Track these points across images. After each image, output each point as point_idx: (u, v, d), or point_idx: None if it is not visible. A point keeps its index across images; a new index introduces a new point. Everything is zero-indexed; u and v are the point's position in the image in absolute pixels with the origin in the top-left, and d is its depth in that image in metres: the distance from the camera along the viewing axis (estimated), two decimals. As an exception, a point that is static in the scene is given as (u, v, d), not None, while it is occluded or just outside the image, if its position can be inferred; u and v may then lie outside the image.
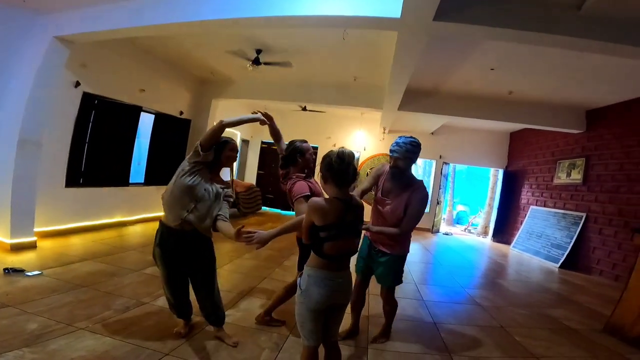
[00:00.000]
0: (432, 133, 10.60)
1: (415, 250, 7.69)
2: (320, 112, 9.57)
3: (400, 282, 2.70)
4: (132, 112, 6.29)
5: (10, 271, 3.35)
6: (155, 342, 2.37)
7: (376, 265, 2.67)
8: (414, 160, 2.53)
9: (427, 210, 11.36)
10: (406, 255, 2.69)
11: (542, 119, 7.26)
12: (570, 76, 5.25)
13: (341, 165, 1.67)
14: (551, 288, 5.24)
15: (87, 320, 2.55)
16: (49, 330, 2.34)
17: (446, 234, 10.71)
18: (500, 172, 10.62)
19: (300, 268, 2.24)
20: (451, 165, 16.08)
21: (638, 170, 5.84)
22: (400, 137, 2.57)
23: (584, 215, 6.84)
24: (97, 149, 5.74)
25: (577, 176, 7.28)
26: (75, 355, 2.07)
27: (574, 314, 3.98)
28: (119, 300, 2.99)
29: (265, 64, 5.70)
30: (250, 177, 11.49)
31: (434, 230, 10.33)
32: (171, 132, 7.41)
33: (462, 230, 12.32)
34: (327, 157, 1.72)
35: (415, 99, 7.00)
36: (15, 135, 4.21)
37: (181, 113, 7.54)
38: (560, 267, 6.74)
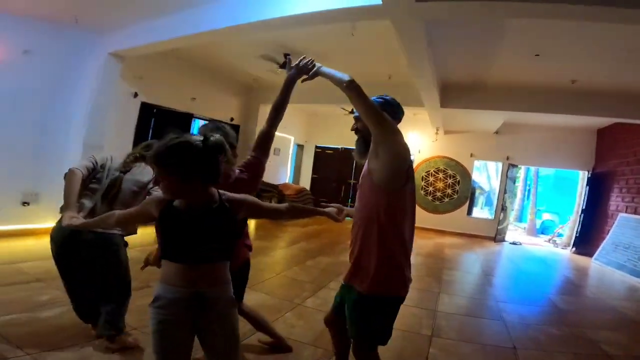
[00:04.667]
0: (496, 132, 9.64)
1: (464, 258, 7.07)
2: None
3: (380, 340, 1.63)
4: (185, 119, 7.05)
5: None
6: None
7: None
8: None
9: (491, 216, 10.36)
10: (389, 299, 1.61)
11: (631, 112, 6.05)
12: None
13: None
14: (618, 306, 4.36)
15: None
16: None
17: (514, 243, 9.58)
18: (586, 175, 9.15)
19: None
20: (532, 168, 14.42)
21: None
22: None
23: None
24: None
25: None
26: None
27: (623, 337, 3.26)
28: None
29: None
30: (305, 181, 11.81)
31: (497, 238, 9.32)
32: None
33: (545, 241, 10.91)
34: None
35: (459, 94, 6.50)
36: (81, 140, 5.08)
37: (232, 119, 8.18)
38: (647, 284, 5.55)
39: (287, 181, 10.66)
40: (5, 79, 4.52)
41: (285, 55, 5.80)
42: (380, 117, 1.52)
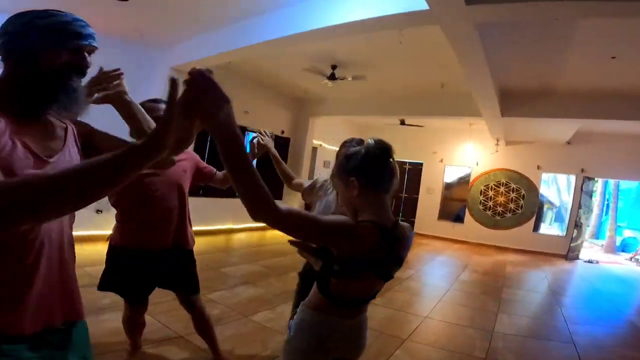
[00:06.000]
0: (568, 142, 8.71)
1: (529, 276, 6.42)
2: (419, 126, 9.11)
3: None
4: (239, 133, 7.35)
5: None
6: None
7: None
8: None
9: (562, 232, 9.29)
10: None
11: None
12: None
13: (381, 163, 1.10)
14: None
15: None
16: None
17: (589, 261, 8.49)
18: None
19: (297, 306, 1.45)
20: (611, 181, 12.81)
21: None
22: None
23: None
24: (213, 165, 6.90)
25: None
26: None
27: None
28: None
29: (340, 79, 5.90)
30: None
31: (570, 256, 8.32)
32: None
33: (626, 259, 9.61)
34: (355, 149, 1.13)
35: (523, 102, 5.98)
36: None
37: (282, 132, 8.37)
38: None
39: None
40: (82, 93, 5.09)
41: (332, 67, 5.81)
42: None
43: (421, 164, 10.59)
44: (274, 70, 6.73)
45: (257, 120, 7.70)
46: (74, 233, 1.07)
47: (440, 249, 8.34)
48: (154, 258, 1.86)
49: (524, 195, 9.24)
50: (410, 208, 10.57)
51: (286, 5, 3.90)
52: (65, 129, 1.01)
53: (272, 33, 4.10)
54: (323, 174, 8.48)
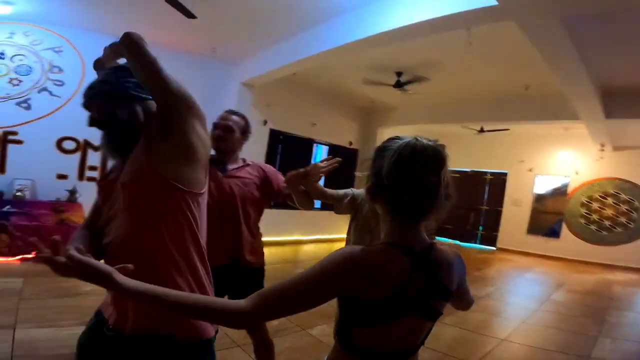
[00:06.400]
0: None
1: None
2: (504, 130, 8.20)
3: None
4: (307, 144, 7.47)
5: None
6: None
7: None
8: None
9: None
10: None
11: None
12: None
13: (413, 172, 0.76)
14: None
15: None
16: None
17: None
18: None
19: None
20: None
21: None
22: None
23: None
24: (288, 168, 7.13)
25: None
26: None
27: None
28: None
29: (405, 83, 5.60)
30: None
31: None
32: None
33: None
34: (389, 143, 0.82)
35: (633, 101, 4.99)
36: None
37: (350, 143, 8.28)
38: None
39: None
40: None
41: (397, 74, 5.54)
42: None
43: (505, 174, 9.57)
44: (338, 81, 6.70)
45: (325, 132, 7.76)
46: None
47: (528, 265, 7.43)
48: (215, 274, 1.80)
49: (638, 207, 7.71)
50: (492, 221, 9.66)
51: (347, 11, 3.83)
52: None
53: (334, 41, 4.07)
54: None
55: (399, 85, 5.63)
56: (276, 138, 6.99)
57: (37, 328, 2.53)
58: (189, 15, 3.60)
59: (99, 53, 1.11)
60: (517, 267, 7.25)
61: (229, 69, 5.96)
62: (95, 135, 1.23)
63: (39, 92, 4.80)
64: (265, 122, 6.64)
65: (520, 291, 5.53)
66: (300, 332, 3.03)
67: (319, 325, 3.14)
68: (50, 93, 4.86)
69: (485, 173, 10.06)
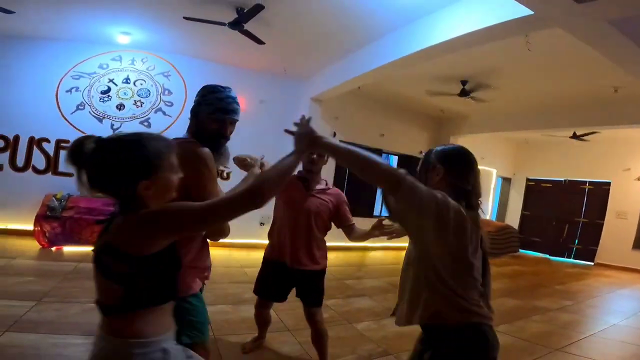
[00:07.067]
0: None
1: None
2: (593, 133, 7.31)
3: None
4: (376, 155, 7.69)
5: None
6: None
7: None
8: None
9: None
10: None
11: None
12: None
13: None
14: None
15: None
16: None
17: None
18: None
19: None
20: None
21: None
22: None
23: None
24: (354, 187, 7.42)
25: None
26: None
27: None
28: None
29: (471, 91, 5.52)
30: (512, 219, 10.16)
31: None
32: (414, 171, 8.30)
33: None
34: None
35: None
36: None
37: (421, 152, 8.26)
38: None
39: (488, 217, 9.55)
40: (246, 125, 6.46)
41: (462, 82, 5.51)
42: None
43: (608, 184, 8.46)
44: (403, 92, 6.85)
45: (393, 142, 7.92)
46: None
47: (629, 282, 6.61)
48: (282, 269, 2.26)
49: None
50: (590, 235, 8.65)
51: (406, 24, 3.98)
52: None
53: (390, 55, 4.26)
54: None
55: (464, 93, 5.60)
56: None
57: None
58: (258, 41, 4.29)
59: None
60: (614, 283, 6.47)
61: (299, 86, 6.56)
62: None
63: (155, 112, 5.79)
64: (334, 134, 7.11)
65: (606, 306, 4.97)
66: (346, 325, 3.22)
67: (366, 322, 3.33)
68: (164, 113, 5.85)
69: (583, 183, 9.06)
